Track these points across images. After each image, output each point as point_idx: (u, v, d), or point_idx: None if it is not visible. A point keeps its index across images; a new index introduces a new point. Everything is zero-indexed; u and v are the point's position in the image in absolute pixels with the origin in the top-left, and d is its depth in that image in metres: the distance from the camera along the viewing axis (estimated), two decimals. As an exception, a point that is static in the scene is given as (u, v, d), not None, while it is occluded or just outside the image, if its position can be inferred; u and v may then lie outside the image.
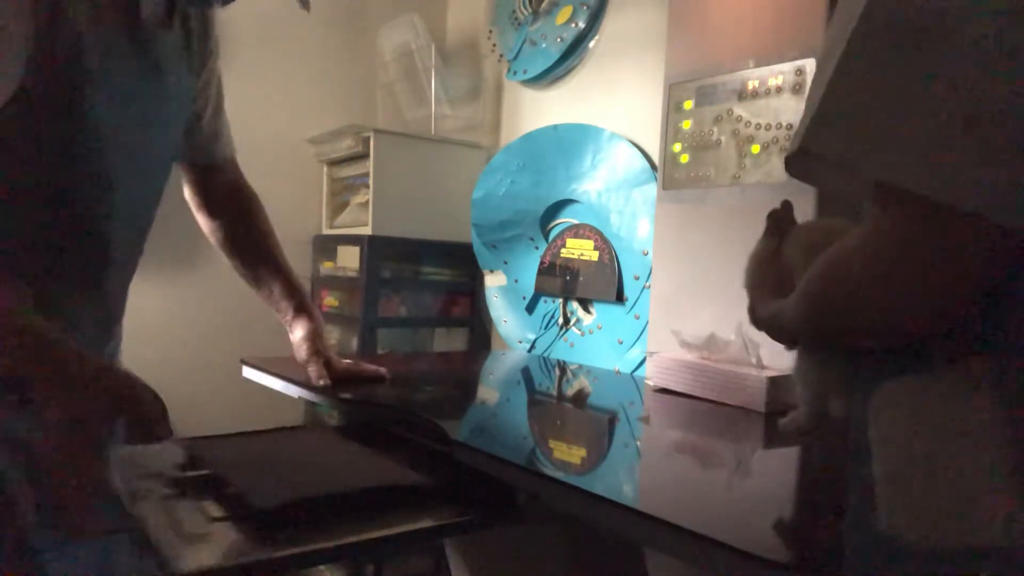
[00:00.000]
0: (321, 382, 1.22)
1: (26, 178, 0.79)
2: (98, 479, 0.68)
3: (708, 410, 1.27)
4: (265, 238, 1.25)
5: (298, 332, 1.27)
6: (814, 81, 0.47)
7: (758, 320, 0.67)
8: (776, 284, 0.66)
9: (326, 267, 2.39)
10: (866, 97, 0.43)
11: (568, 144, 2.02)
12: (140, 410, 0.71)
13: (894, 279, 0.45)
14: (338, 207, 2.45)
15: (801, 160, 0.46)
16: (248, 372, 1.48)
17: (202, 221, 1.23)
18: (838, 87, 0.44)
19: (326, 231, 2.45)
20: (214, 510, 0.82)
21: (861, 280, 0.47)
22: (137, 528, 0.77)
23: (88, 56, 0.81)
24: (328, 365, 1.25)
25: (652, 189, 1.76)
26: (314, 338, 1.26)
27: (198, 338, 2.24)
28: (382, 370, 1.31)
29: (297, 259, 2.08)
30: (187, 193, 1.21)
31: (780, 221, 0.70)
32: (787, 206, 0.70)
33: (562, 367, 1.84)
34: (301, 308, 1.27)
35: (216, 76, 1.12)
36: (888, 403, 0.50)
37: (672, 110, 1.56)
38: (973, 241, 0.42)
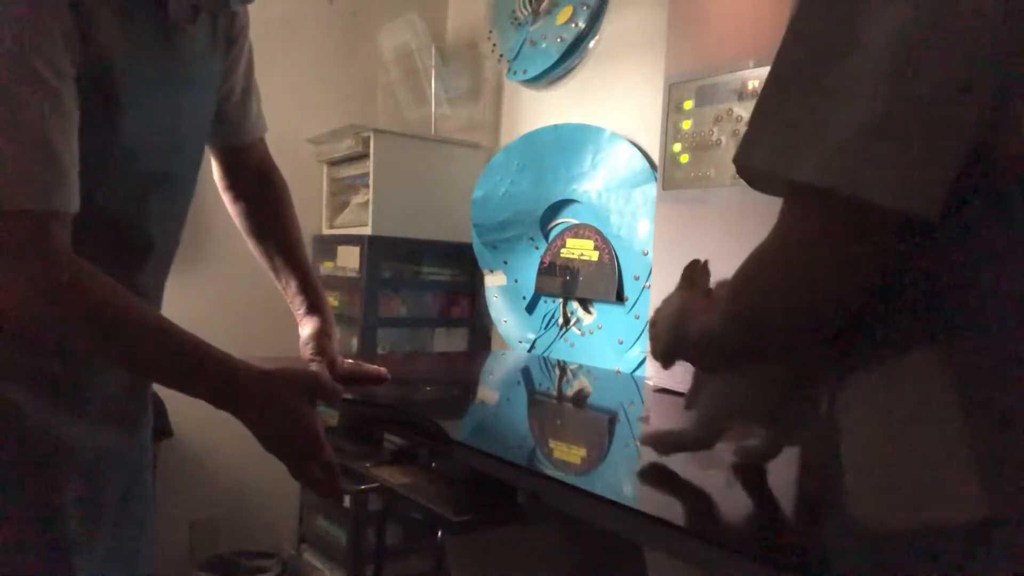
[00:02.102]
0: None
1: None
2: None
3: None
4: (287, 228, 1.23)
5: (305, 331, 1.26)
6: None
7: (686, 348, 0.70)
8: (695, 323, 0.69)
9: (326, 267, 2.39)
10: (789, 111, 0.47)
11: (568, 144, 2.02)
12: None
13: (799, 265, 0.50)
14: (338, 207, 2.45)
15: (742, 171, 0.52)
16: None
17: (228, 203, 1.22)
18: (764, 104, 0.49)
19: (326, 231, 2.45)
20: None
21: (773, 267, 0.52)
22: None
23: (119, 59, 0.84)
24: (331, 366, 1.25)
25: (652, 189, 1.76)
26: (319, 338, 1.26)
27: (198, 338, 2.23)
28: (383, 370, 1.31)
29: (297, 259, 2.08)
30: (216, 175, 1.21)
31: (695, 274, 0.73)
32: (704, 265, 0.75)
33: (562, 367, 1.84)
34: (313, 307, 1.26)
35: (244, 59, 1.11)
36: (853, 398, 0.53)
37: (672, 110, 1.56)
38: (866, 232, 0.46)
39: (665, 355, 0.71)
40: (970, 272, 0.47)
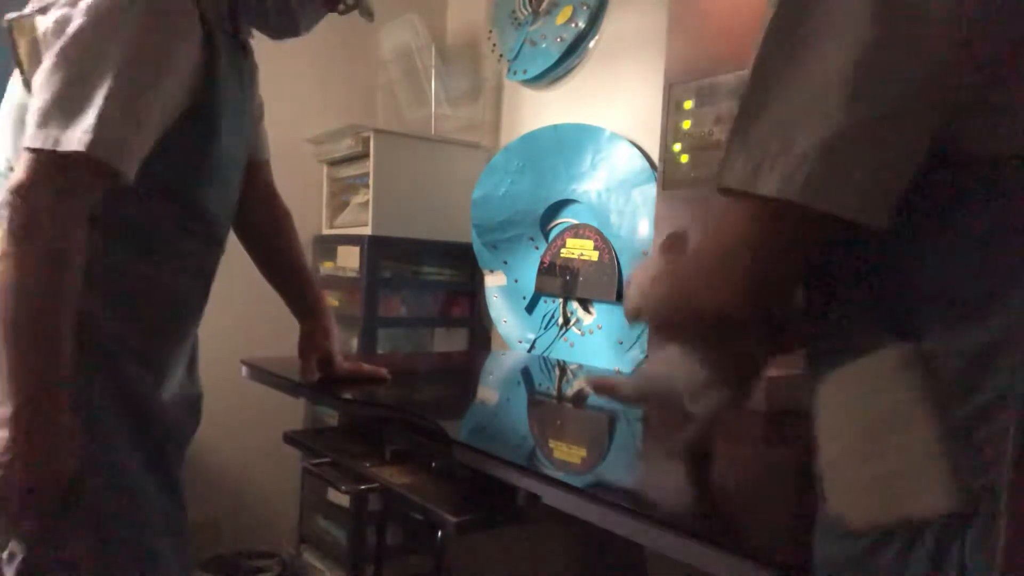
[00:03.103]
0: (306, 377, 1.26)
1: (167, 179, 0.95)
2: None
3: (708, 410, 1.27)
4: (289, 245, 1.32)
5: (302, 330, 1.30)
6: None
7: (647, 311, 0.73)
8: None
9: (326, 267, 2.39)
10: (757, 132, 0.50)
11: (568, 144, 2.02)
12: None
13: (736, 260, 0.54)
14: (338, 207, 2.45)
15: (721, 192, 0.54)
16: (248, 372, 1.48)
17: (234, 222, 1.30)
18: (737, 128, 0.52)
19: (326, 231, 2.45)
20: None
21: (714, 257, 0.57)
22: None
23: (223, 91, 0.99)
24: (328, 364, 1.26)
25: (652, 189, 1.76)
26: (312, 336, 1.28)
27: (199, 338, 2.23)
28: (383, 371, 1.31)
29: (297, 259, 2.07)
30: None
31: (674, 242, 0.77)
32: (683, 234, 0.79)
33: (562, 367, 1.84)
34: (307, 308, 1.31)
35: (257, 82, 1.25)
36: (826, 394, 0.56)
37: (672, 110, 1.56)
38: (797, 231, 0.51)
39: (630, 314, 0.74)
40: (934, 272, 0.49)
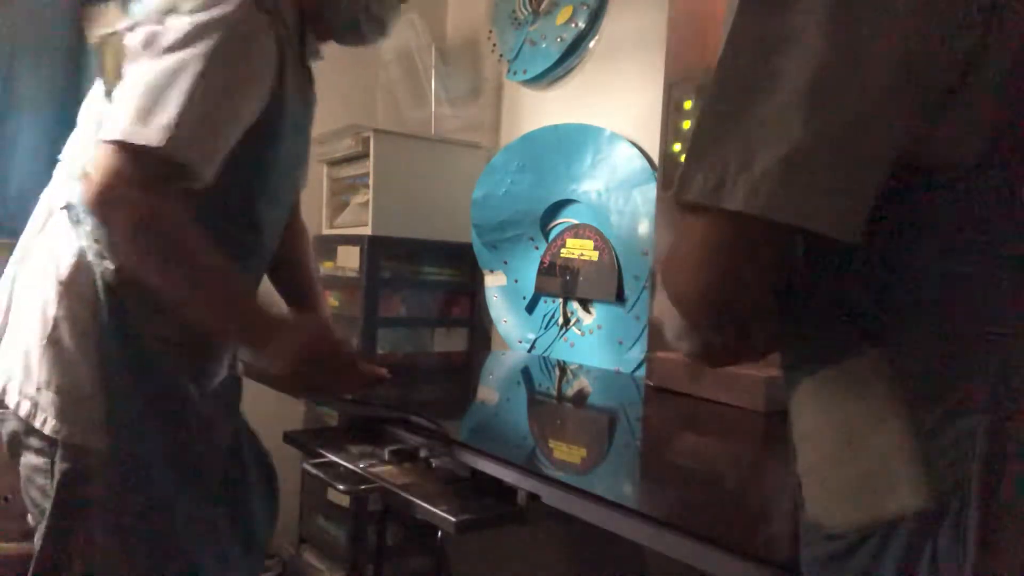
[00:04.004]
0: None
1: (225, 188, 0.99)
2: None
3: (708, 410, 1.28)
4: (300, 260, 1.36)
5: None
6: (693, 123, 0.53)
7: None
8: None
9: (326, 267, 2.39)
10: (719, 148, 0.50)
11: (568, 144, 2.02)
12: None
13: (696, 269, 0.53)
14: (338, 207, 2.45)
15: (679, 206, 0.54)
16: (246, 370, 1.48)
17: None
18: (697, 143, 0.51)
19: (326, 231, 2.45)
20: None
21: (677, 266, 0.56)
22: None
23: (289, 103, 1.07)
24: None
25: (652, 189, 1.76)
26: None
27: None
28: (383, 370, 1.31)
29: (297, 259, 2.07)
30: None
31: None
32: None
33: (562, 367, 1.84)
34: (311, 306, 1.33)
35: None
36: (802, 402, 0.57)
37: (672, 110, 1.56)
38: (773, 245, 0.51)
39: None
40: (902, 279, 0.50)
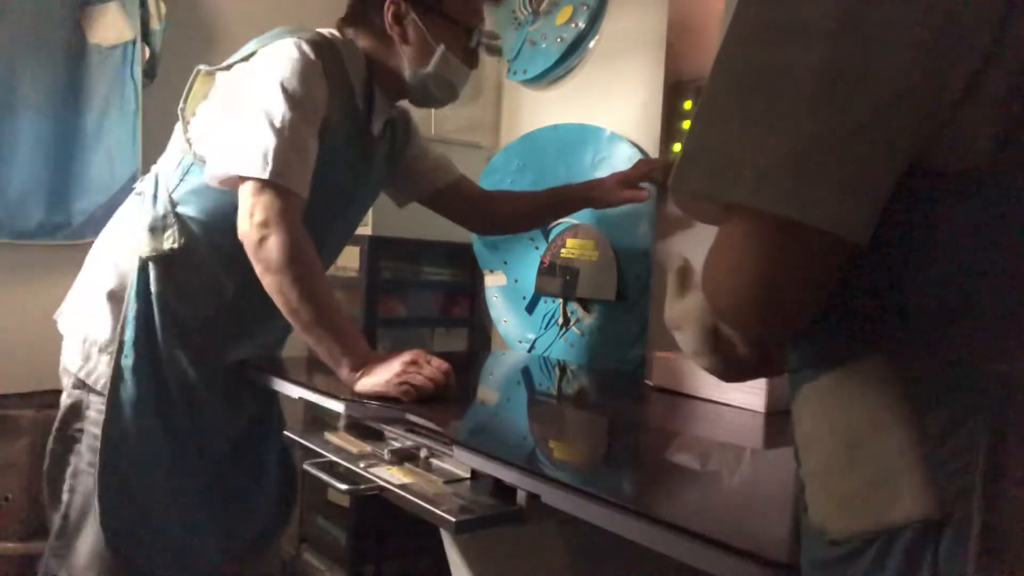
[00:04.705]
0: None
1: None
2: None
3: (708, 410, 1.28)
4: (521, 197, 1.82)
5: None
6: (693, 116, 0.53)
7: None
8: None
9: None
10: (723, 139, 0.49)
11: (568, 144, 2.02)
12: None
13: (738, 273, 0.51)
14: (338, 207, 2.44)
15: (677, 195, 0.53)
16: (248, 372, 1.48)
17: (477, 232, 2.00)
18: (699, 132, 0.50)
19: (326, 231, 2.45)
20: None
21: (717, 275, 0.54)
22: None
23: (334, 158, 1.30)
24: None
25: (652, 189, 1.76)
26: None
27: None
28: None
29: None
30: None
31: (686, 275, 0.74)
32: (688, 263, 0.75)
33: (562, 367, 1.84)
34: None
35: (416, 143, 1.66)
36: (805, 406, 0.57)
37: (672, 110, 1.56)
38: (806, 249, 0.49)
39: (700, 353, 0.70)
40: (906, 284, 0.49)
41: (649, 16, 1.85)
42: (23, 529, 1.77)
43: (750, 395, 1.24)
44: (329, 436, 1.17)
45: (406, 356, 1.19)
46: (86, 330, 1.33)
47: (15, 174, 1.82)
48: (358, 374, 1.19)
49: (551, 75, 2.16)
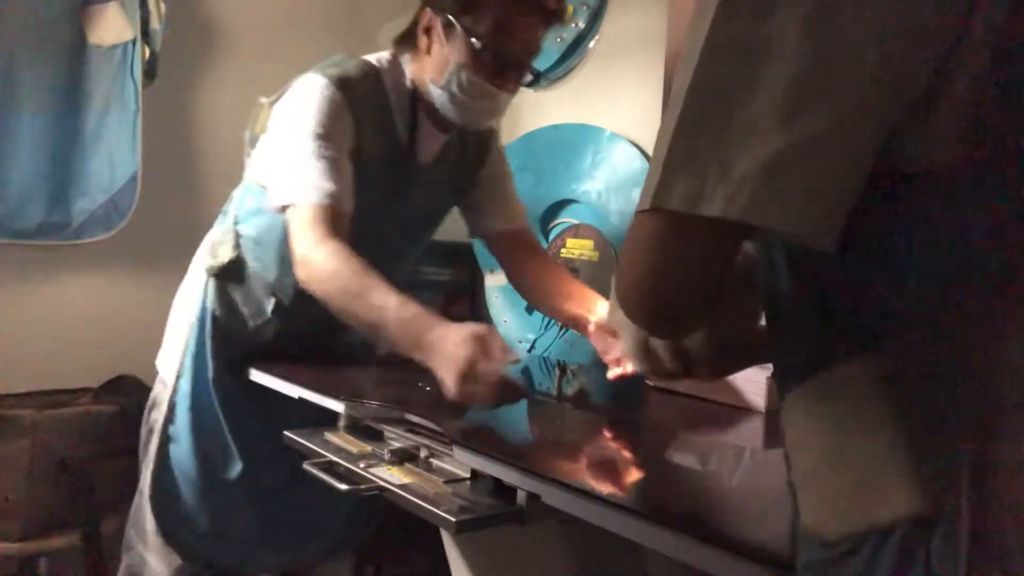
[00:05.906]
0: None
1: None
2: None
3: (708, 410, 1.28)
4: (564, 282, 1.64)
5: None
6: (660, 130, 0.52)
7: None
8: None
9: (326, 267, 2.38)
10: (696, 158, 0.49)
11: (568, 144, 2.02)
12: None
13: (632, 266, 0.54)
14: (338, 207, 2.44)
15: (655, 212, 0.52)
16: (249, 372, 1.48)
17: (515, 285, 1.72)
18: (674, 152, 0.50)
19: (326, 231, 2.45)
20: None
21: (618, 271, 0.57)
22: None
23: (373, 179, 1.36)
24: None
25: (652, 189, 1.76)
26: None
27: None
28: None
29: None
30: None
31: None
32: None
33: (562, 367, 1.84)
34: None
35: (490, 173, 1.61)
36: (793, 410, 0.57)
37: (672, 110, 1.56)
38: (690, 240, 0.51)
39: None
40: (888, 285, 0.50)
41: (649, 16, 1.85)
42: (23, 529, 1.76)
43: (750, 395, 1.24)
44: (329, 436, 1.17)
45: (466, 348, 1.14)
46: (169, 328, 1.52)
47: (15, 174, 1.82)
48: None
49: (551, 75, 2.16)
